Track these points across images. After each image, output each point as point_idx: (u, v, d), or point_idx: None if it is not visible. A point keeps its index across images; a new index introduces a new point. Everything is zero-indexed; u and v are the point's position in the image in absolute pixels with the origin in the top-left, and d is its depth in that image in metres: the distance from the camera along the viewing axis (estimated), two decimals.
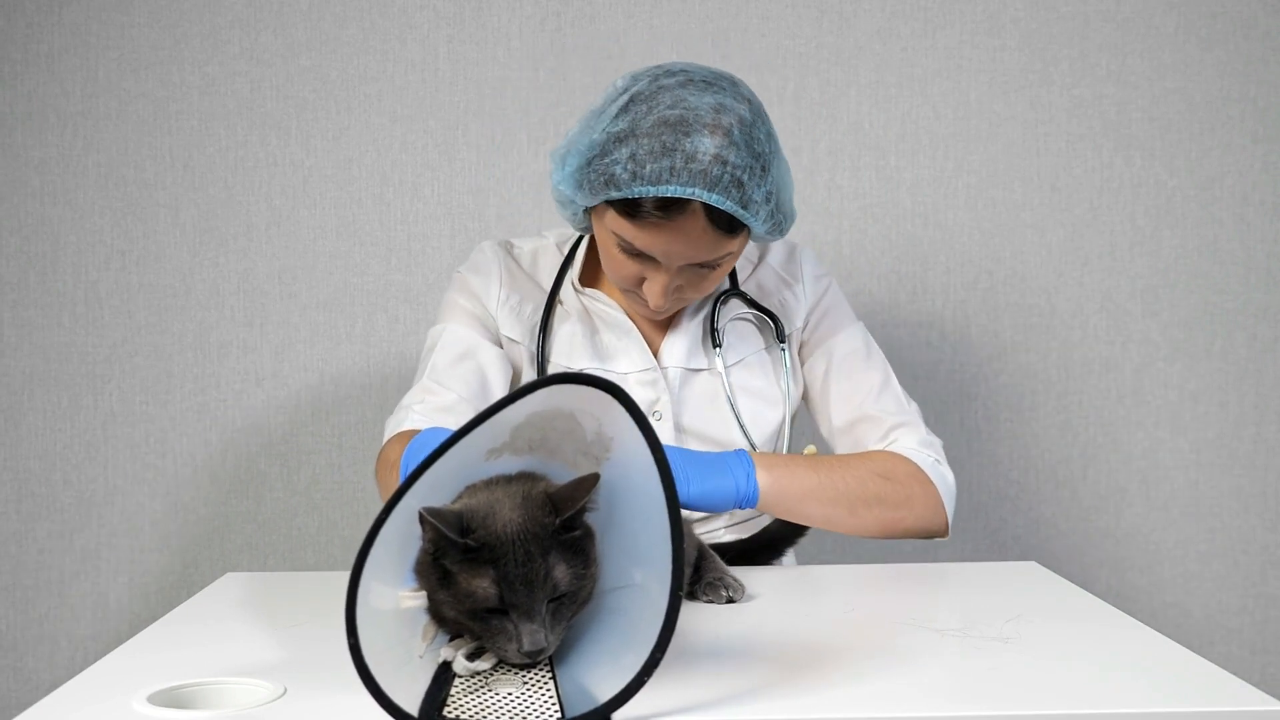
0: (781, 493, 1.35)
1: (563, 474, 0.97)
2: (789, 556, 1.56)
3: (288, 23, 2.10)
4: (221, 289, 2.11)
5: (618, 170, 1.30)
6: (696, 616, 1.15)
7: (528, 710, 0.88)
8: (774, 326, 1.53)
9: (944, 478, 1.45)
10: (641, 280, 1.40)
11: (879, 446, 1.48)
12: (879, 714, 0.88)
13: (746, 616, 1.16)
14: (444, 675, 0.93)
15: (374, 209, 2.11)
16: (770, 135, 1.35)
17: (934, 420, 2.12)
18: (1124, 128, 2.12)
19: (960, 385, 2.14)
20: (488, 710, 0.88)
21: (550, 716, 0.87)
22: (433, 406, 1.45)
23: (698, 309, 1.53)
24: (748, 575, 1.29)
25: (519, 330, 1.52)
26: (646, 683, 0.87)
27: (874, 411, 1.51)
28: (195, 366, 2.12)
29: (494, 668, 0.95)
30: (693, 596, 1.21)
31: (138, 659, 1.05)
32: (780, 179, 1.36)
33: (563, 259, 1.57)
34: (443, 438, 0.89)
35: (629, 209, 1.32)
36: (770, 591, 1.26)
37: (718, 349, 1.50)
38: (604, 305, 1.52)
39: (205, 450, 2.12)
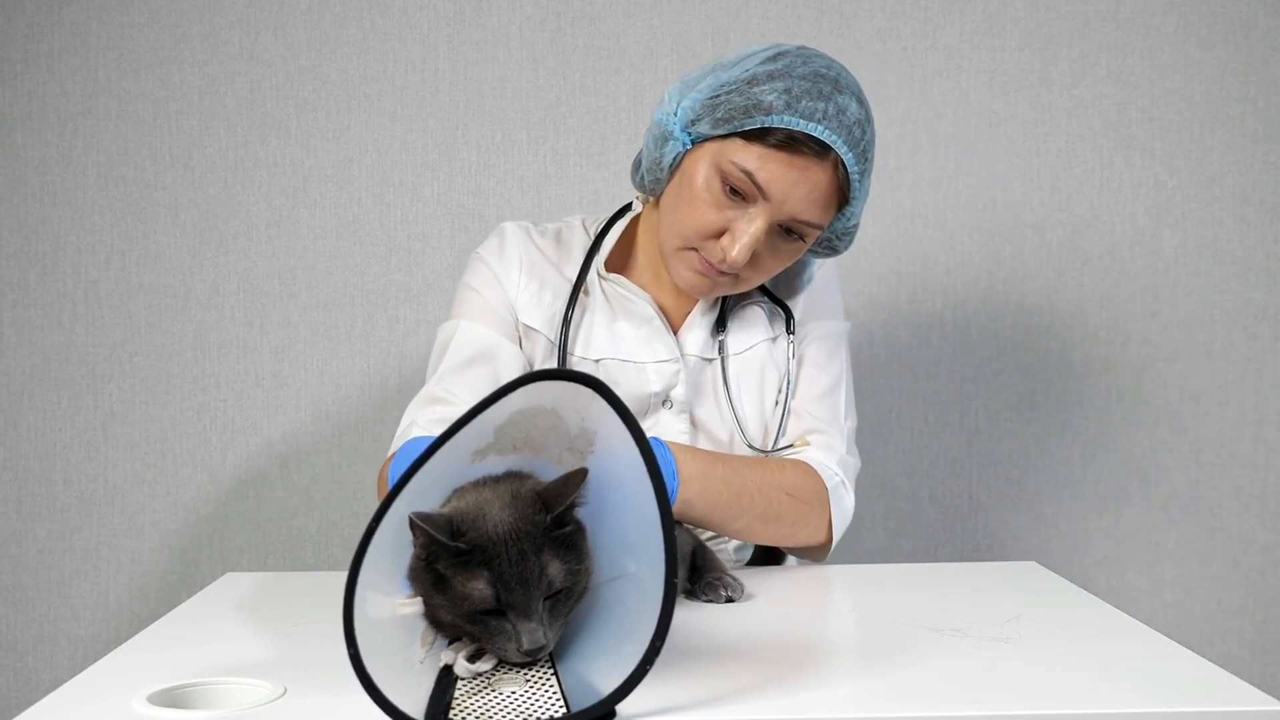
0: (689, 504, 1.31)
1: (548, 471, 0.97)
2: (790, 558, 1.57)
3: (288, 23, 2.10)
4: (221, 289, 2.11)
5: (770, 98, 1.30)
6: (696, 616, 1.15)
7: (533, 707, 0.88)
8: (785, 317, 1.51)
9: (841, 501, 1.44)
10: (722, 232, 1.35)
11: (799, 446, 1.46)
12: (879, 714, 0.88)
13: (746, 616, 1.16)
14: (446, 679, 0.93)
15: (374, 209, 2.11)
16: None
17: (934, 420, 2.13)
18: (1124, 128, 2.12)
19: (960, 385, 2.14)
20: (493, 710, 0.88)
21: (556, 712, 0.87)
22: (437, 419, 1.39)
23: (715, 301, 1.49)
24: (747, 575, 1.29)
25: (539, 319, 1.47)
26: (649, 671, 0.87)
27: (804, 410, 1.48)
28: (195, 366, 2.12)
29: (495, 668, 0.95)
30: (692, 596, 1.21)
31: (138, 659, 1.05)
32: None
33: (591, 242, 1.52)
34: (426, 445, 0.89)
35: (765, 136, 1.30)
36: (770, 591, 1.26)
37: (720, 335, 1.48)
38: (626, 292, 1.48)
39: (205, 450, 2.12)
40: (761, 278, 1.42)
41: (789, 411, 1.49)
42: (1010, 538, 2.15)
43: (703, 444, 1.47)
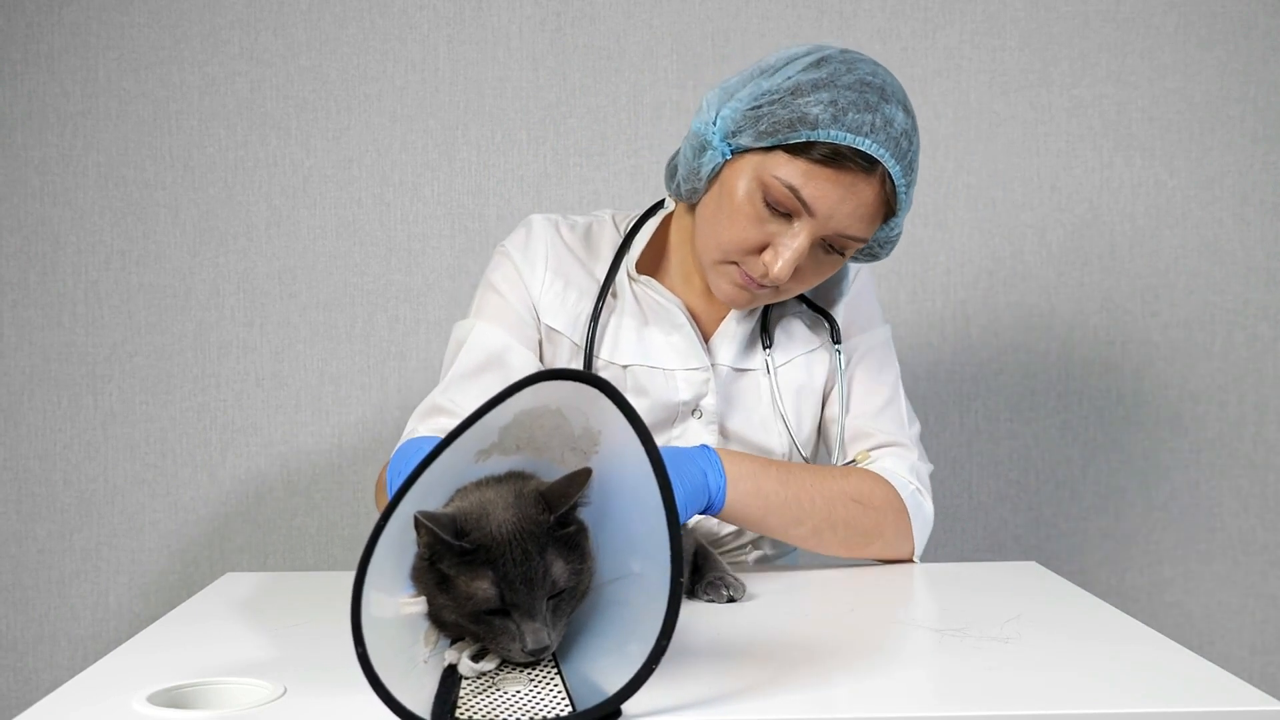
0: (743, 504, 1.28)
1: (551, 471, 0.97)
2: (791, 558, 1.56)
3: (288, 23, 2.10)
4: (221, 289, 2.11)
5: (815, 111, 1.25)
6: (697, 616, 1.15)
7: (539, 706, 0.88)
8: (829, 327, 1.46)
9: (920, 507, 1.41)
10: (763, 247, 1.31)
11: (862, 460, 1.43)
12: (879, 714, 0.88)
13: (747, 616, 1.16)
14: (451, 678, 0.93)
15: (374, 209, 2.11)
16: None
17: (934, 420, 2.13)
18: (1124, 128, 2.12)
19: (960, 385, 2.14)
20: (499, 709, 0.88)
21: (562, 710, 0.87)
22: (438, 430, 1.35)
23: (751, 310, 1.45)
24: (748, 575, 1.29)
25: (562, 320, 1.42)
26: (655, 670, 0.87)
27: (868, 428, 1.45)
28: (195, 366, 2.12)
29: (499, 667, 0.95)
30: (694, 596, 1.21)
31: (138, 659, 1.05)
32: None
33: (621, 241, 1.46)
34: (429, 446, 0.88)
35: (810, 150, 1.26)
36: (770, 591, 1.26)
37: (768, 349, 1.44)
38: (658, 296, 1.43)
39: (205, 450, 2.12)
40: (802, 289, 1.38)
41: (846, 428, 1.45)
42: (1010, 538, 2.15)
43: None
